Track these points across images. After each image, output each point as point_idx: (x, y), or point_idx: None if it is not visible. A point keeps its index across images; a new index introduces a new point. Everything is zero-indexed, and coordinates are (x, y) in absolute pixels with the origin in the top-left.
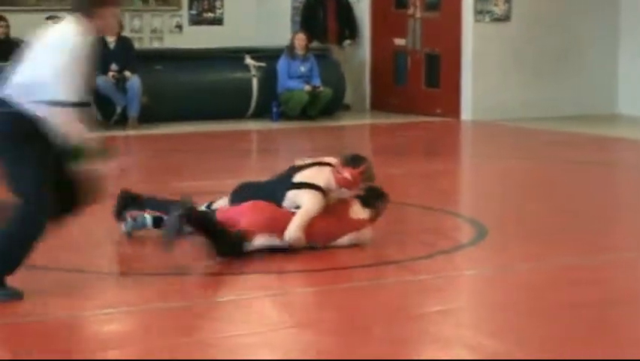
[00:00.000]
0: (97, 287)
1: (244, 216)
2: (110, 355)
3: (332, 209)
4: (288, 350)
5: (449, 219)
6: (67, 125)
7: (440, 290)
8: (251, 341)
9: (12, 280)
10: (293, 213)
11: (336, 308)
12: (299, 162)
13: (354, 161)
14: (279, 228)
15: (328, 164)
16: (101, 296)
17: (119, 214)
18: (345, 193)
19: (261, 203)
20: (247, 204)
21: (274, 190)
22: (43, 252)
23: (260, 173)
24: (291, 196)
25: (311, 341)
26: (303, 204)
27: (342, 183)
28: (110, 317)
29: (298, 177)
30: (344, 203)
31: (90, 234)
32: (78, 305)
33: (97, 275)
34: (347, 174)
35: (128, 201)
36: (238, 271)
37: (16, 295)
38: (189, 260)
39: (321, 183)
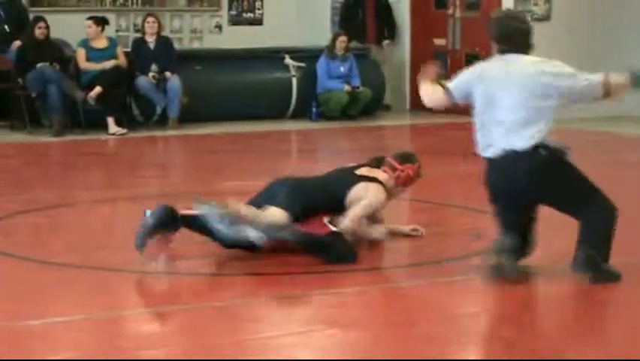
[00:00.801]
0: (134, 286)
1: None
2: (147, 355)
3: None
4: (326, 350)
5: (488, 219)
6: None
7: (478, 291)
8: (289, 342)
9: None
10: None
11: (374, 308)
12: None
13: (409, 158)
14: None
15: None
16: (139, 296)
17: (152, 232)
18: (398, 192)
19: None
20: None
21: (336, 187)
22: (81, 251)
23: (299, 173)
24: (357, 190)
25: (349, 341)
26: (367, 197)
27: (403, 180)
28: (147, 316)
29: (358, 172)
30: None
31: (127, 233)
32: (116, 305)
33: (134, 274)
34: (410, 171)
35: (167, 221)
36: (276, 271)
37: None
38: (227, 260)
39: (380, 178)
